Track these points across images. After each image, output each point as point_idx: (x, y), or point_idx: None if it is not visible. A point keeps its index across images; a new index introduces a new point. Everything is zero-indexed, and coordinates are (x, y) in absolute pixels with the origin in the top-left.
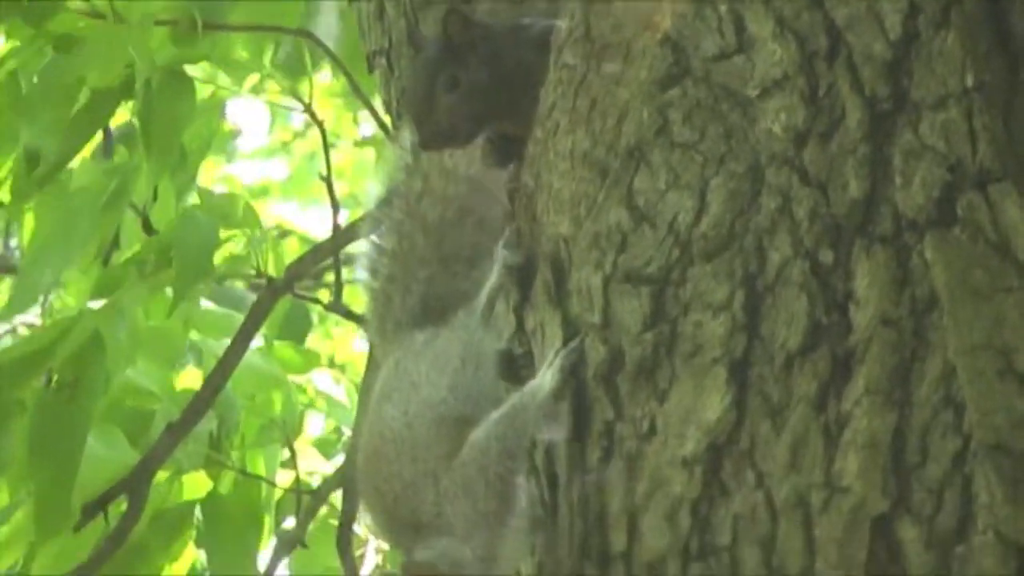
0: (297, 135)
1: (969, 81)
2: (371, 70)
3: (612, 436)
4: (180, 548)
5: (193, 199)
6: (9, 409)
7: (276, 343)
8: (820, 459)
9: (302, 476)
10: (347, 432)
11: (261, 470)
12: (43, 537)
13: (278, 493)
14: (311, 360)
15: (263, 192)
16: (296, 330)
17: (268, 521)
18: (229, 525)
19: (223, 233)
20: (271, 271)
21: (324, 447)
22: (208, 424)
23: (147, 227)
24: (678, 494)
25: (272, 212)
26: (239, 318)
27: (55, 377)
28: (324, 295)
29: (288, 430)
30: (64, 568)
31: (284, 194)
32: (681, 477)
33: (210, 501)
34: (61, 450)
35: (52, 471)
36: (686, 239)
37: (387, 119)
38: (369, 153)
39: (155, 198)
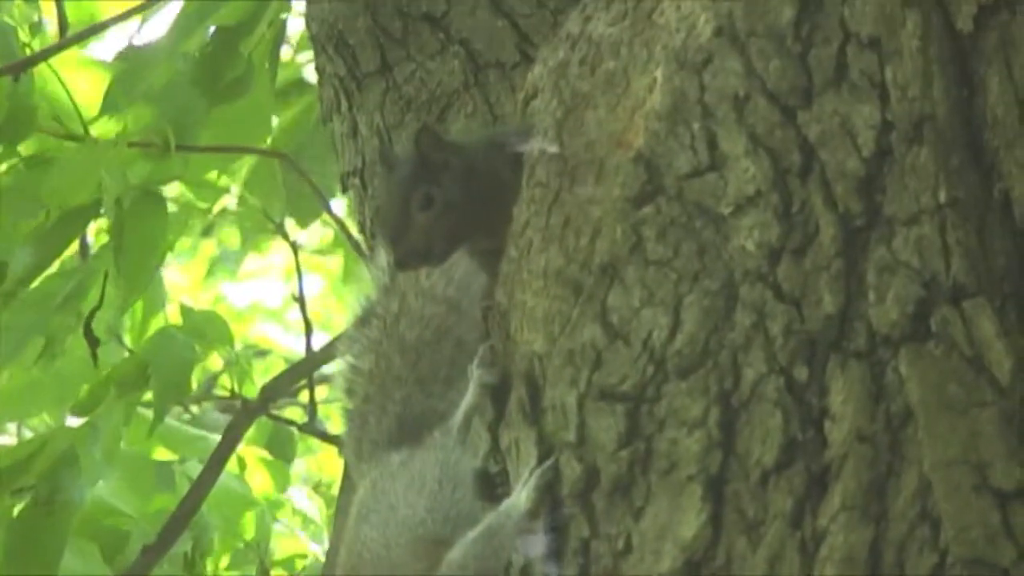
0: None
1: (942, 197)
2: (345, 190)
3: (588, 554)
4: None
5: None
6: None
7: (250, 462)
8: (797, 575)
9: None
10: (316, 548)
11: None
12: None
13: None
14: (285, 479)
15: (252, 312)
16: (280, 451)
17: None
18: None
19: (202, 351)
20: (246, 392)
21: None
22: (183, 545)
23: (88, 334)
24: None
25: (258, 332)
26: (214, 440)
27: (32, 492)
28: (300, 414)
29: (262, 553)
30: None
31: (271, 316)
32: None
33: None
34: (38, 563)
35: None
36: (660, 356)
37: (361, 239)
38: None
39: (100, 306)
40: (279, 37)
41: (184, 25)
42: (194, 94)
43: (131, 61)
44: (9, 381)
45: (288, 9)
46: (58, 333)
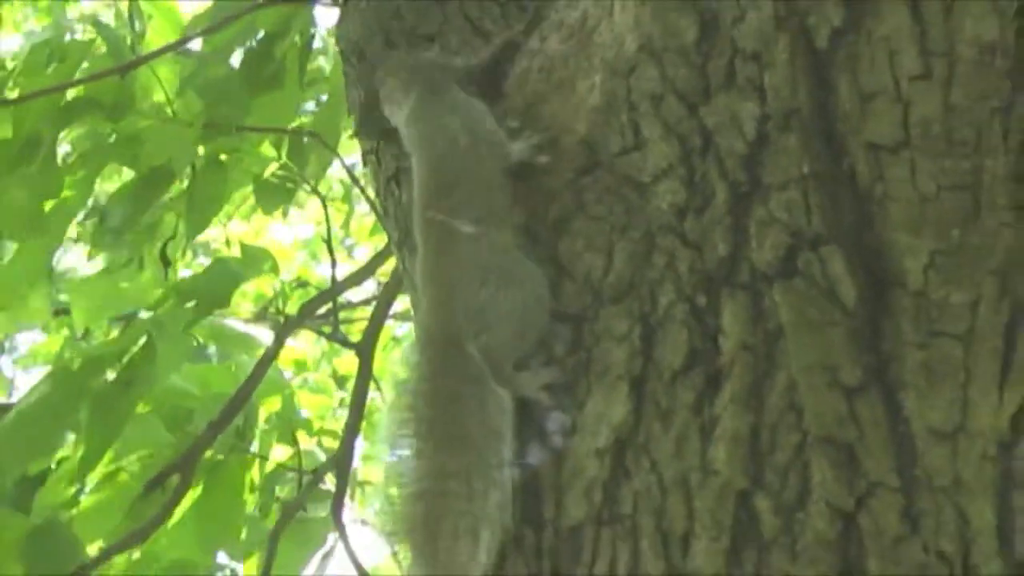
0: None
1: (805, 169)
2: (365, 164)
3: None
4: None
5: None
6: (84, 393)
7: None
8: (697, 450)
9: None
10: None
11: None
12: (82, 474)
13: (279, 472)
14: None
15: (295, 248)
16: None
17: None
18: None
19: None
20: (289, 311)
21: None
22: (237, 420)
23: (164, 259)
24: (593, 476)
25: (299, 263)
26: (257, 339)
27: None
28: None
29: (292, 424)
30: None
31: (307, 251)
32: (595, 464)
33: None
34: (108, 421)
35: (99, 432)
36: (598, 288)
37: (377, 202)
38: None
39: (174, 236)
40: (306, 45)
41: (234, 36)
42: (240, 87)
43: (196, 60)
44: (101, 288)
45: (314, 24)
46: (139, 253)
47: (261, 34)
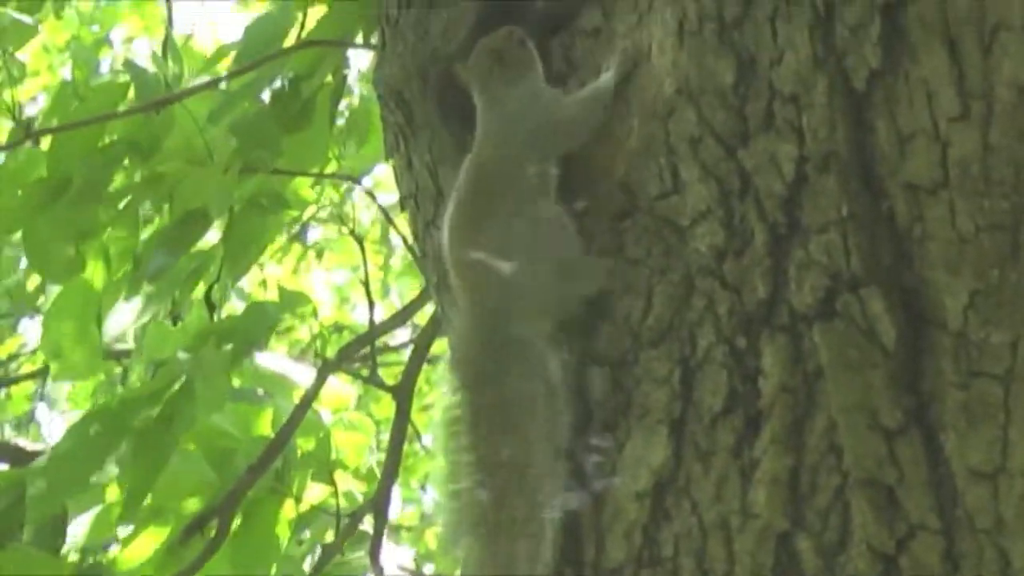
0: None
1: (844, 211)
2: (403, 209)
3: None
4: None
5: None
6: (123, 431)
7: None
8: (738, 492)
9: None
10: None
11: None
12: (126, 517)
13: (315, 513)
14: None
15: (328, 290)
16: None
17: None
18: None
19: (293, 321)
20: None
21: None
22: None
23: (208, 303)
24: (633, 518)
25: (331, 305)
26: (295, 382)
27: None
28: (365, 370)
29: (329, 464)
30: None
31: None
32: (635, 506)
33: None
34: (151, 461)
35: (141, 473)
36: (637, 331)
37: (416, 246)
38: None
39: (218, 280)
40: (340, 87)
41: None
42: (271, 125)
43: (224, 95)
44: (149, 332)
45: (347, 66)
46: (184, 298)
47: (291, 75)
